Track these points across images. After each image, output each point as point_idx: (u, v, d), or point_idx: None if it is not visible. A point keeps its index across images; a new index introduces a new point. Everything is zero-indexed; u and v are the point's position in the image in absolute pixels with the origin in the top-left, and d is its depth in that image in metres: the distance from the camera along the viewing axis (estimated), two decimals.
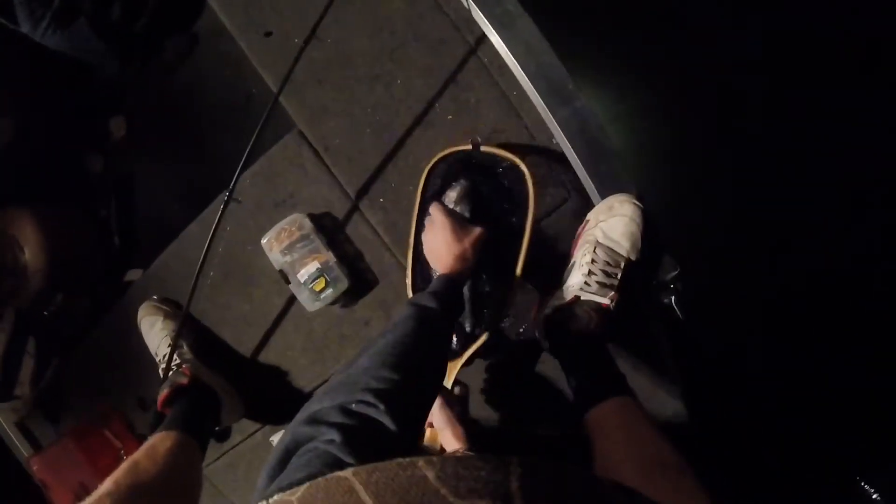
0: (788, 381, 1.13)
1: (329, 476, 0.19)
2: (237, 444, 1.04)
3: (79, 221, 1.34)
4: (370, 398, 0.45)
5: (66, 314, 1.28)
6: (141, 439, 1.07)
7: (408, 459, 0.19)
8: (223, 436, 1.04)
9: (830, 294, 1.05)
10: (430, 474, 0.18)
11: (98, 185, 1.34)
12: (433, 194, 0.84)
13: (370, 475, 0.18)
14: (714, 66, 1.02)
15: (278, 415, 1.01)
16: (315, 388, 0.98)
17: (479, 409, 0.95)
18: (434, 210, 0.78)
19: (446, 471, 0.18)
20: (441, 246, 0.74)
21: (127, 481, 0.65)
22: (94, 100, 1.35)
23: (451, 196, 0.82)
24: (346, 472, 0.19)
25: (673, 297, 0.90)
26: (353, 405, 0.45)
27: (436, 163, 0.84)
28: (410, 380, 0.50)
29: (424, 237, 0.79)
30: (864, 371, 1.07)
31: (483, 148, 0.81)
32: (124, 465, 0.68)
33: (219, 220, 0.85)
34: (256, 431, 1.02)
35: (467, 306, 0.82)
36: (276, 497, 0.20)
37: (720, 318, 1.11)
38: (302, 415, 0.47)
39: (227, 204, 0.85)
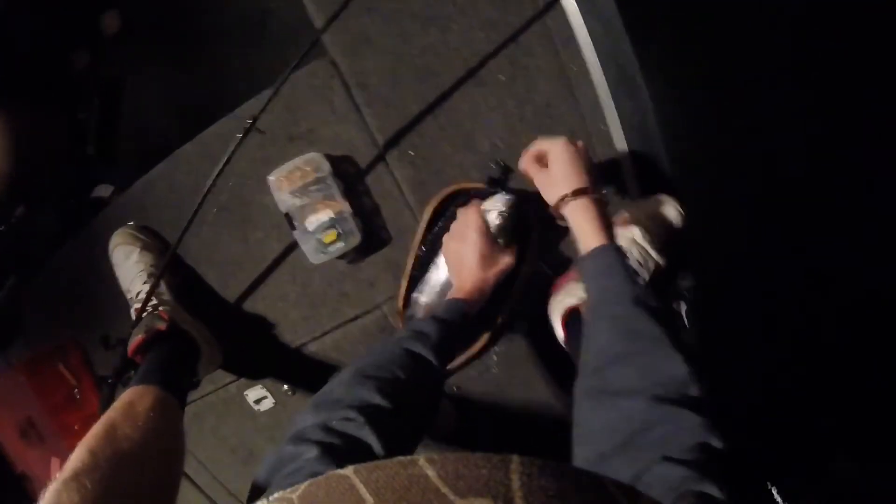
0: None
1: (329, 474, 0.19)
2: (207, 395, 0.95)
3: (52, 122, 1.18)
4: (351, 414, 0.47)
5: (26, 229, 1.13)
6: (99, 381, 0.97)
7: (408, 458, 0.19)
8: (195, 386, 0.94)
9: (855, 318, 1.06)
10: (431, 472, 0.18)
11: (80, 84, 1.18)
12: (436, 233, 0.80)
13: (371, 473, 0.18)
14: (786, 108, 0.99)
15: (258, 368, 0.92)
16: (303, 345, 0.90)
17: (482, 397, 0.91)
18: (470, 216, 0.72)
19: (447, 469, 0.18)
20: (464, 267, 0.70)
21: (106, 452, 0.54)
22: None
23: (493, 214, 0.75)
24: (347, 470, 0.19)
25: (684, 307, 0.89)
26: (335, 422, 0.47)
27: (443, 200, 0.80)
28: (395, 409, 0.50)
29: (449, 242, 0.74)
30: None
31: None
32: (100, 431, 0.57)
33: (234, 149, 0.74)
34: (231, 383, 0.94)
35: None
36: (276, 495, 0.19)
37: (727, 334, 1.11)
38: (289, 431, 0.49)
39: (247, 132, 0.74)
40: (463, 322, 0.65)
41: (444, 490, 0.17)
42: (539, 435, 0.93)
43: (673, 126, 0.92)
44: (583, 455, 0.46)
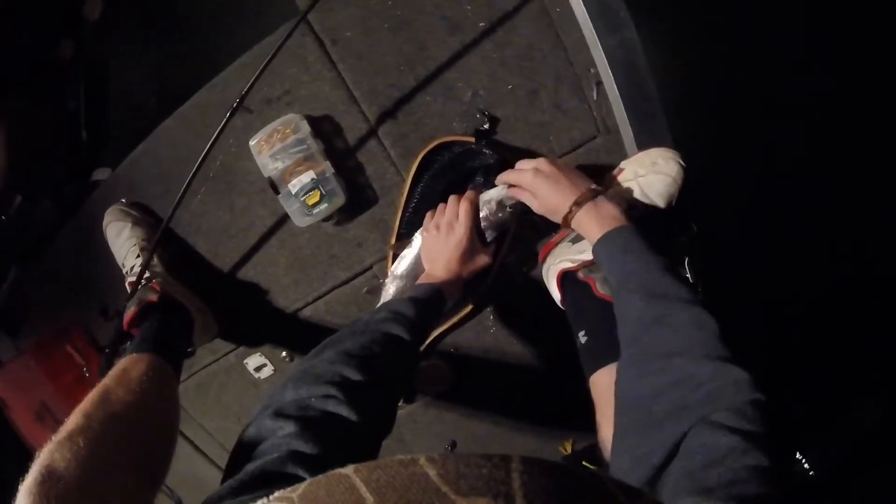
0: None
1: (330, 473, 0.19)
2: (208, 365, 0.96)
3: (44, 115, 1.20)
4: (332, 391, 0.48)
5: (25, 218, 1.16)
6: (102, 353, 0.99)
7: (409, 457, 0.19)
8: (190, 355, 0.96)
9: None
10: (432, 472, 0.18)
11: (67, 74, 1.19)
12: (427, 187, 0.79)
13: (371, 472, 0.18)
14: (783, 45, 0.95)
15: (254, 336, 0.93)
16: (297, 310, 0.90)
17: (475, 354, 0.90)
18: (464, 208, 0.70)
19: (448, 468, 0.18)
20: (441, 258, 0.69)
21: (99, 414, 0.57)
22: None
23: (492, 207, 0.73)
24: (348, 470, 0.19)
25: (686, 259, 0.86)
26: (313, 399, 0.48)
27: (427, 153, 0.78)
28: (373, 384, 0.52)
29: (429, 237, 0.72)
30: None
31: (486, 148, 0.76)
32: (95, 396, 0.60)
33: (221, 128, 0.74)
34: (230, 352, 0.95)
35: None
36: (276, 494, 0.20)
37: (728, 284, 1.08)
38: (267, 403, 0.50)
39: (234, 112, 0.74)
40: (438, 305, 0.66)
41: (445, 489, 0.17)
42: (535, 393, 0.92)
43: (663, 63, 0.88)
44: (631, 419, 0.46)
